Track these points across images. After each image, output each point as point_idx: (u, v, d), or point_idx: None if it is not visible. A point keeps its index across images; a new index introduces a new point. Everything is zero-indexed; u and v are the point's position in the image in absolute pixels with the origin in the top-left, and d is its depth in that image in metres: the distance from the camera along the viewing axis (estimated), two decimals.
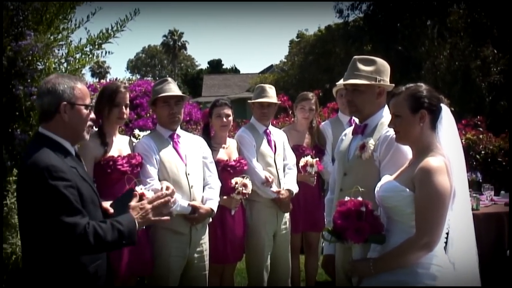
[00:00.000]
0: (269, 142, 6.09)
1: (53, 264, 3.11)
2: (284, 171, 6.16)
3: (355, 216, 3.39)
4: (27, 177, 3.09)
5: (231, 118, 5.83)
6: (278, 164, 6.08)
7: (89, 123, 3.37)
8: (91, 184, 3.36)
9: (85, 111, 3.31)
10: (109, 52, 5.52)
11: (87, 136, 3.40)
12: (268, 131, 6.15)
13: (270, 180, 5.87)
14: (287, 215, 6.12)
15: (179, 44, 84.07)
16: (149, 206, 3.30)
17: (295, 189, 6.07)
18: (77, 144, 3.44)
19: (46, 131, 3.25)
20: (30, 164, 3.08)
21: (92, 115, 3.40)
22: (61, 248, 3.04)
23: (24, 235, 3.22)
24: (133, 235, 3.17)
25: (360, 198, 3.46)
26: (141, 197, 3.52)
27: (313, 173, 6.26)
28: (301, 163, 6.23)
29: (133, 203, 3.34)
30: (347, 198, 3.50)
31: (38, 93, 3.37)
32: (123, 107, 4.83)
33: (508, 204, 6.81)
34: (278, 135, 6.24)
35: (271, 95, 6.11)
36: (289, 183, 6.07)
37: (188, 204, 5.00)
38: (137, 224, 3.20)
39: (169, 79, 5.28)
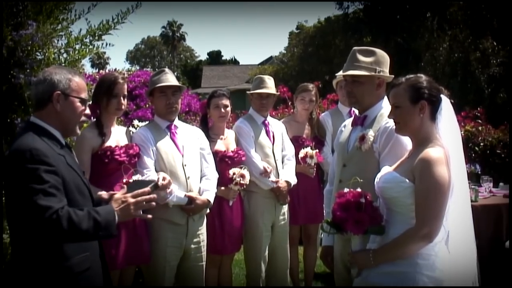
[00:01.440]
0: (267, 133, 6.09)
1: (35, 254, 3.07)
2: (282, 162, 6.16)
3: (355, 208, 3.38)
4: (9, 160, 3.07)
5: (229, 108, 5.83)
6: (277, 154, 6.08)
7: (83, 118, 3.37)
8: (80, 174, 3.32)
9: (78, 105, 3.29)
10: (109, 44, 5.51)
11: (78, 131, 3.40)
12: (266, 122, 6.14)
13: (269, 170, 5.88)
14: (285, 206, 6.12)
15: (178, 35, 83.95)
16: (132, 200, 3.21)
17: (293, 180, 6.08)
18: (67, 137, 3.41)
19: (38, 119, 3.24)
20: (14, 147, 3.08)
21: (87, 111, 3.39)
22: (35, 232, 2.97)
23: (8, 220, 3.21)
24: (110, 226, 3.09)
25: (359, 189, 3.47)
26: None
27: (313, 164, 6.26)
28: (301, 154, 6.23)
29: (118, 194, 3.30)
30: (346, 190, 3.50)
31: (35, 82, 3.37)
32: (121, 98, 4.82)
33: (508, 196, 6.82)
34: (276, 126, 6.24)
35: (270, 86, 6.11)
36: (288, 174, 6.07)
37: (185, 195, 5.00)
38: (116, 216, 3.13)
39: (167, 69, 5.28)
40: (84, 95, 3.32)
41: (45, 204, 2.91)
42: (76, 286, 3.15)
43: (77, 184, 3.22)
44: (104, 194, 3.60)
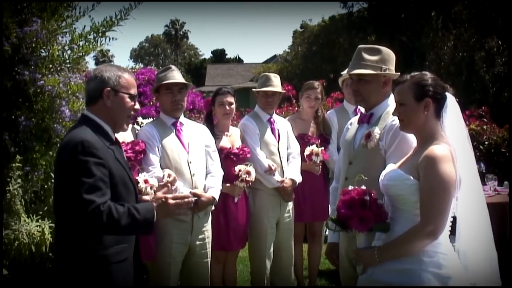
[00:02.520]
0: (272, 130, 6.09)
1: (75, 241, 3.20)
2: (287, 160, 6.15)
3: (359, 205, 3.38)
4: (62, 150, 3.25)
5: (233, 106, 5.83)
6: (282, 152, 6.07)
7: (132, 112, 3.48)
8: (127, 170, 3.43)
9: (128, 100, 3.41)
10: (113, 38, 5.52)
11: (126, 127, 3.52)
12: (272, 119, 6.14)
13: (274, 168, 5.87)
14: (290, 203, 6.11)
15: (181, 33, 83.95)
16: (172, 202, 3.32)
17: (298, 178, 6.07)
18: (117, 132, 3.51)
19: (90, 113, 3.39)
20: (67, 139, 3.27)
21: (137, 106, 3.51)
22: (77, 222, 3.12)
23: (55, 206, 3.37)
24: (149, 224, 3.23)
25: (363, 187, 3.46)
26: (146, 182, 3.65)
27: (318, 162, 6.26)
28: (307, 152, 6.22)
29: (159, 194, 3.46)
30: (350, 187, 3.50)
31: (87, 79, 3.56)
32: None
33: None
34: (282, 123, 6.24)
35: (276, 84, 6.10)
36: (293, 172, 6.06)
37: (190, 192, 4.98)
38: (155, 215, 3.25)
39: (173, 67, 5.27)
40: (133, 91, 3.45)
41: (89, 198, 3.05)
42: (110, 275, 3.25)
43: (123, 178, 3.34)
44: (146, 197, 3.67)
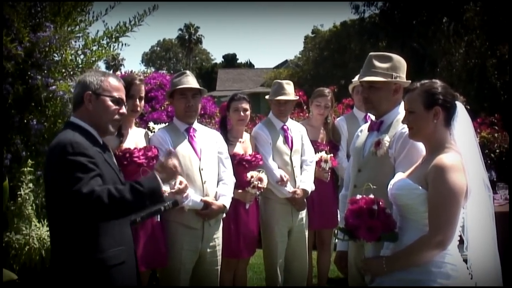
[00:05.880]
0: (286, 138, 6.05)
1: (71, 245, 3.20)
2: (301, 167, 6.12)
3: (367, 215, 3.36)
4: (51, 153, 3.25)
5: (248, 112, 5.82)
6: (294, 161, 6.04)
7: (116, 116, 3.47)
8: (117, 172, 3.45)
9: (110, 103, 3.42)
10: (125, 44, 5.53)
11: (112, 130, 3.50)
12: (285, 127, 6.11)
13: (285, 179, 5.85)
14: (303, 212, 6.08)
15: (195, 38, 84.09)
16: (170, 162, 3.40)
17: (310, 188, 6.03)
18: (104, 136, 3.52)
19: (75, 119, 3.42)
20: (55, 142, 3.27)
21: (123, 110, 3.50)
22: (81, 217, 3.13)
23: (48, 212, 3.37)
24: (156, 192, 3.24)
25: (371, 196, 3.45)
26: None
27: (327, 168, 6.25)
28: (315, 158, 6.22)
29: (156, 164, 3.45)
30: (358, 196, 3.48)
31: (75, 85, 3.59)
32: (137, 99, 4.81)
33: None
34: (296, 129, 6.19)
35: (289, 91, 6.07)
36: (305, 182, 6.02)
37: (201, 200, 4.99)
38: (159, 182, 3.26)
39: (188, 72, 5.25)
40: (117, 94, 3.45)
41: (88, 189, 3.04)
42: (108, 279, 3.25)
43: (114, 181, 3.35)
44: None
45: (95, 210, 3.06)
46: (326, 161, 6.22)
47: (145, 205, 3.27)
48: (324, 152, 6.27)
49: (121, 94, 3.48)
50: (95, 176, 3.13)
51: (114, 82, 3.45)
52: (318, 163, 6.23)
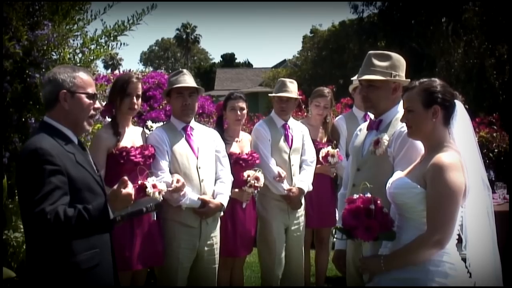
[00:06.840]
0: (286, 137, 6.06)
1: (43, 250, 3.16)
2: (300, 167, 6.13)
3: (364, 214, 3.35)
4: (18, 160, 3.24)
5: (245, 111, 5.82)
6: (293, 160, 6.04)
7: (92, 112, 3.40)
8: (91, 172, 3.36)
9: (86, 100, 3.34)
10: (124, 43, 5.52)
11: (88, 127, 3.45)
12: (286, 125, 6.11)
13: (283, 176, 5.85)
14: (301, 210, 6.08)
15: (192, 37, 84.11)
16: (123, 191, 3.15)
17: (307, 187, 6.02)
18: (80, 135, 3.48)
19: (49, 119, 3.34)
20: (24, 148, 3.23)
21: (97, 105, 3.43)
22: (29, 226, 3.14)
23: (22, 217, 3.30)
24: (104, 221, 3.07)
25: (369, 195, 3.44)
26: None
27: (334, 163, 6.25)
28: (322, 153, 6.21)
29: (114, 187, 3.20)
30: (356, 196, 3.47)
31: (43, 83, 3.46)
32: (134, 97, 4.82)
33: None
34: (298, 129, 6.19)
35: (292, 90, 6.08)
36: (303, 181, 6.02)
37: (198, 198, 5.00)
38: (110, 209, 3.08)
39: (185, 70, 5.25)
40: (90, 89, 3.38)
41: (40, 208, 2.97)
42: (82, 282, 3.19)
43: (87, 183, 3.27)
44: None
45: (40, 229, 3.02)
46: (333, 156, 6.21)
47: (95, 232, 3.15)
48: (330, 147, 6.26)
49: (94, 88, 3.41)
50: (53, 190, 3.03)
51: (85, 77, 3.37)
52: (324, 158, 6.22)
